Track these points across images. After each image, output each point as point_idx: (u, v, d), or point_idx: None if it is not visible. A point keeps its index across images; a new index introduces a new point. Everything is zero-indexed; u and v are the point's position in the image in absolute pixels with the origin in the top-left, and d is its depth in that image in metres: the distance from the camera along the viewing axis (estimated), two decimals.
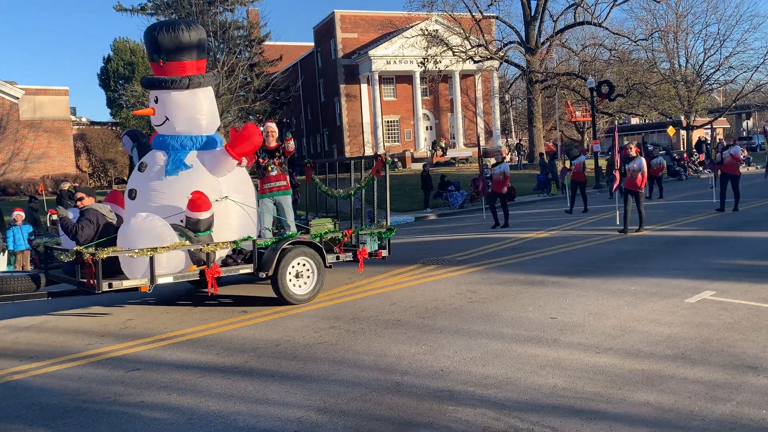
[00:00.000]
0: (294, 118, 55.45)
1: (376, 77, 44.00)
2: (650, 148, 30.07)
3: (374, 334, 6.34)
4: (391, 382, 4.94)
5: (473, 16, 36.21)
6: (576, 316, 6.53)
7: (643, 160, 12.69)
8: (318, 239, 8.28)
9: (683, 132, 46.89)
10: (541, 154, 32.21)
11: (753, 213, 14.50)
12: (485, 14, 37.23)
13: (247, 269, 7.84)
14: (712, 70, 42.46)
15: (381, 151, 43.63)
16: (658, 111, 45.79)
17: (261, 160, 8.58)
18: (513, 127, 57.52)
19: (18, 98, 34.38)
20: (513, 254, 10.95)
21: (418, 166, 34.88)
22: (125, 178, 43.10)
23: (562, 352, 5.43)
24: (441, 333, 6.23)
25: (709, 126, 50.96)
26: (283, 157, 8.62)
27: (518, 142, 46.78)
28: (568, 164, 18.43)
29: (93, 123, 47.18)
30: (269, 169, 8.59)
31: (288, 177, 8.86)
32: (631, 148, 12.93)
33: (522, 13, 37.83)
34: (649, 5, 39.95)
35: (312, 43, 52.43)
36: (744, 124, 62.88)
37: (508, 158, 46.98)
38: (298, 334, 6.56)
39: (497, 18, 38.86)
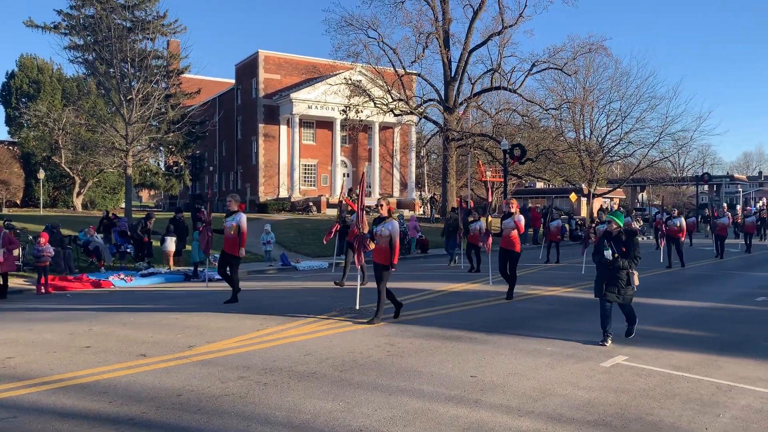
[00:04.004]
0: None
1: (297, 120, 43.88)
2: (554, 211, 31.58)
3: (287, 387, 5.92)
4: None
5: (396, 71, 37.02)
6: (496, 376, 6.40)
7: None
8: None
9: (584, 199, 49.47)
10: (453, 209, 32.93)
11: (658, 280, 15.20)
12: (408, 70, 38.14)
13: None
14: (613, 143, 45.21)
15: (297, 195, 43.23)
16: (563, 177, 48.12)
17: None
18: (426, 181, 58.77)
19: None
20: (429, 307, 10.83)
21: (333, 212, 34.70)
22: (18, 201, 40.13)
23: (484, 414, 5.24)
24: (359, 388, 5.90)
25: (608, 195, 54.18)
26: None
27: (432, 196, 47.73)
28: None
29: None
30: None
31: None
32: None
33: (443, 73, 39.09)
34: (560, 77, 42.34)
35: (233, 80, 51.83)
36: (639, 196, 67.31)
37: (420, 210, 47.93)
38: (202, 383, 6.03)
39: (419, 75, 39.93)
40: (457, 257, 19.83)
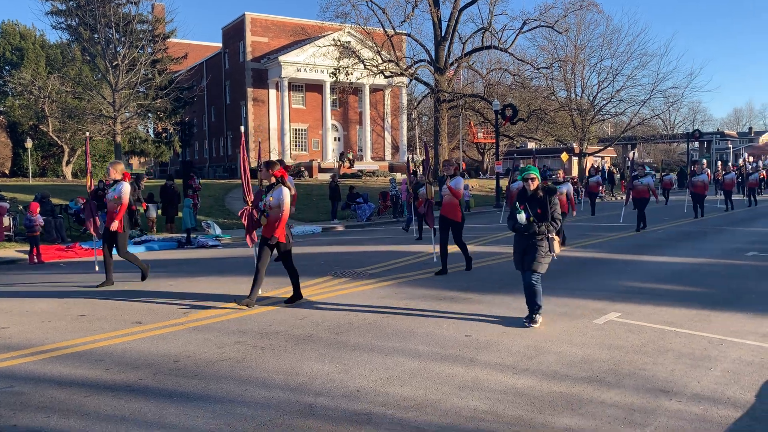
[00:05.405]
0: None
1: (286, 84, 43.33)
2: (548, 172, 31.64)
3: (284, 351, 5.95)
4: (304, 404, 4.59)
5: (386, 32, 36.48)
6: (490, 335, 6.45)
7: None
8: None
9: (575, 158, 49.47)
10: (413, 172, 32.82)
11: (649, 237, 15.30)
12: (397, 31, 37.62)
13: None
14: (604, 102, 45.02)
15: (288, 159, 42.93)
16: (554, 137, 48.00)
17: None
18: (418, 143, 58.46)
19: None
20: (424, 269, 10.86)
21: (325, 176, 34.54)
22: (6, 171, 39.73)
23: (479, 372, 5.29)
24: (355, 350, 5.94)
25: (599, 154, 54.11)
26: None
27: (424, 158, 47.60)
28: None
29: None
30: None
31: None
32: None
33: (433, 33, 38.57)
34: (551, 35, 41.87)
35: (220, 44, 50.95)
36: (630, 154, 67.33)
37: (412, 173, 47.74)
38: (199, 349, 6.05)
39: (409, 35, 39.41)
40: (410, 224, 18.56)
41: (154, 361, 5.67)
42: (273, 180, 7.92)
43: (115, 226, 9.46)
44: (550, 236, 6.69)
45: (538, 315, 6.87)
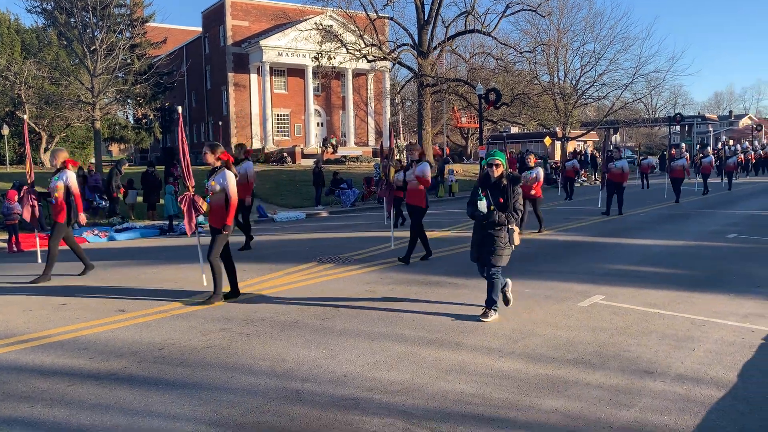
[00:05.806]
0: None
1: (267, 68, 42.88)
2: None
3: (270, 337, 5.92)
4: (290, 390, 4.58)
5: (368, 15, 36.12)
6: (476, 319, 6.47)
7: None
8: None
9: (558, 143, 49.66)
10: (385, 157, 32.80)
11: (631, 221, 15.42)
12: (380, 14, 37.23)
13: None
14: (587, 86, 45.16)
15: (270, 145, 42.60)
16: (537, 121, 48.08)
17: None
18: (402, 128, 58.33)
19: None
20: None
21: (308, 162, 34.37)
22: None
23: (466, 356, 5.31)
24: (342, 335, 5.93)
25: (582, 138, 54.39)
26: None
27: (408, 143, 47.46)
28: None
29: None
30: None
31: None
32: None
33: (416, 16, 38.26)
34: (534, 19, 41.81)
35: (200, 28, 50.22)
36: (612, 138, 67.78)
37: (397, 158, 47.65)
38: (184, 336, 6.00)
39: (391, 19, 39.05)
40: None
41: (139, 349, 5.62)
42: (218, 163, 7.46)
43: (83, 219, 9.27)
44: (510, 227, 6.25)
45: (492, 311, 6.43)
